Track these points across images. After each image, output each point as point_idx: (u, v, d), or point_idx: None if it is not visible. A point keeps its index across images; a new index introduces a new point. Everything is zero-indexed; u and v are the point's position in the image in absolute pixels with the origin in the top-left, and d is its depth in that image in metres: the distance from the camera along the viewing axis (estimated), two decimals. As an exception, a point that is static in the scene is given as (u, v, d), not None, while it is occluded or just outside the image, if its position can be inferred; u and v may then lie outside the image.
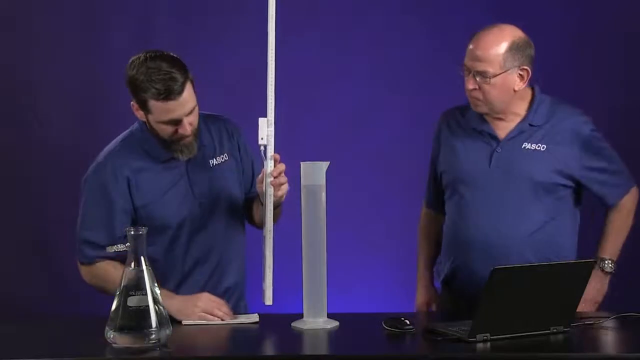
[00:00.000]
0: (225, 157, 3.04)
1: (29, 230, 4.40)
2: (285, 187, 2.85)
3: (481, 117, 3.09)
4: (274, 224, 2.84)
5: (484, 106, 3.03)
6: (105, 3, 4.38)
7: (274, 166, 2.81)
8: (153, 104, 2.84)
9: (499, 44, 2.97)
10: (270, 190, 2.81)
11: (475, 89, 2.99)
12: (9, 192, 4.39)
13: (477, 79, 2.98)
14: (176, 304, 2.84)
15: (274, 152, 2.81)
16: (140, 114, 2.92)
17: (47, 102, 4.38)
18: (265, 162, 2.81)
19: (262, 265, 2.80)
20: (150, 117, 2.89)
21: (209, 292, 2.94)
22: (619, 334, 2.69)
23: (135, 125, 3.01)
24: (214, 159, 3.03)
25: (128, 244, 2.53)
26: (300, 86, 4.25)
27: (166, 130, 2.89)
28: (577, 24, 4.33)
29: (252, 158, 3.10)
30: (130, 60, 2.89)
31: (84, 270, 2.99)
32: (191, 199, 2.97)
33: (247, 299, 3.13)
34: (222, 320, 2.83)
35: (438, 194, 3.22)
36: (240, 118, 3.19)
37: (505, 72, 2.97)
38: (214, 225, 3.00)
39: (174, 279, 2.98)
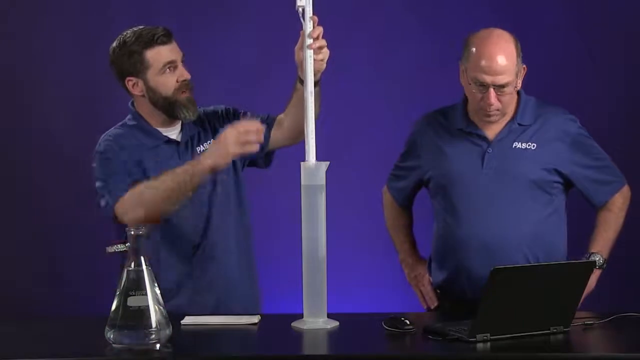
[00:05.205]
0: (212, 141, 3.06)
1: (29, 230, 4.40)
2: (326, 51, 2.83)
3: (467, 118, 3.09)
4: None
5: (499, 115, 3.03)
6: (105, 3, 4.39)
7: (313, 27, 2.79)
8: (150, 54, 2.96)
9: (509, 52, 2.97)
10: (309, 52, 2.78)
11: (496, 101, 2.99)
12: (9, 192, 4.39)
13: (497, 92, 2.98)
14: (209, 159, 2.84)
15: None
16: (138, 88, 3.00)
17: (47, 102, 4.39)
18: (304, 24, 2.78)
19: (305, 128, 2.74)
20: (150, 75, 2.97)
21: (204, 280, 3.01)
22: (619, 334, 2.69)
23: (128, 115, 3.07)
24: (201, 146, 3.06)
25: (128, 244, 2.53)
26: (300, 86, 4.25)
27: (168, 83, 2.97)
28: (577, 23, 4.33)
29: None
30: (112, 48, 3.01)
31: (121, 209, 2.92)
32: None
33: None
34: (260, 141, 2.81)
35: (407, 191, 3.25)
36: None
37: (517, 77, 3.00)
38: (208, 209, 3.02)
39: (176, 267, 3.01)
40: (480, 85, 2.98)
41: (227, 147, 2.82)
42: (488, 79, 2.97)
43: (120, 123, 3.09)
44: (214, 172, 2.89)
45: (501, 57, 2.96)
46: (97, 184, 2.99)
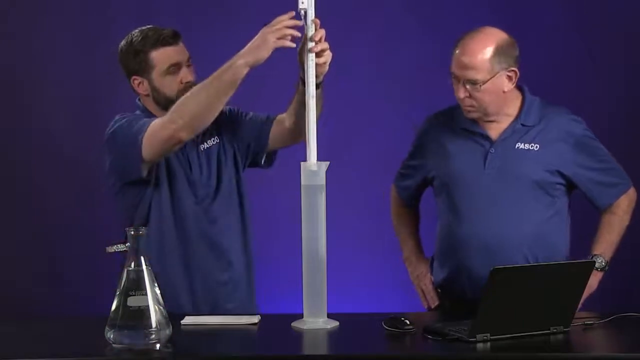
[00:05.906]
0: (215, 139, 3.07)
1: (29, 230, 4.40)
2: (328, 54, 2.81)
3: (471, 119, 3.09)
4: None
5: (477, 112, 3.03)
6: (105, 3, 4.39)
7: (315, 30, 2.76)
8: (155, 55, 2.99)
9: (485, 50, 2.96)
10: (311, 56, 2.76)
11: (466, 96, 3.00)
12: (9, 192, 4.39)
13: (467, 86, 2.98)
14: (245, 56, 2.81)
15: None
16: (143, 87, 3.02)
17: (47, 102, 4.39)
18: (305, 28, 2.77)
19: (307, 131, 2.74)
20: (154, 75, 2.99)
21: (205, 275, 3.02)
22: (619, 334, 2.69)
23: (136, 111, 3.07)
24: (205, 144, 3.07)
25: (128, 243, 2.53)
26: (300, 86, 4.25)
27: (172, 84, 2.99)
28: (577, 24, 4.33)
29: (242, 112, 3.13)
30: (120, 47, 3.03)
31: (154, 127, 2.90)
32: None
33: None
34: (297, 35, 2.77)
35: (413, 189, 3.26)
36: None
37: (493, 76, 2.97)
38: (210, 208, 3.04)
39: (175, 255, 3.02)
40: (454, 78, 3.00)
41: (267, 40, 2.78)
42: (457, 71, 2.99)
43: (129, 114, 3.07)
44: (252, 67, 2.82)
45: (473, 52, 2.96)
46: (118, 146, 2.96)
